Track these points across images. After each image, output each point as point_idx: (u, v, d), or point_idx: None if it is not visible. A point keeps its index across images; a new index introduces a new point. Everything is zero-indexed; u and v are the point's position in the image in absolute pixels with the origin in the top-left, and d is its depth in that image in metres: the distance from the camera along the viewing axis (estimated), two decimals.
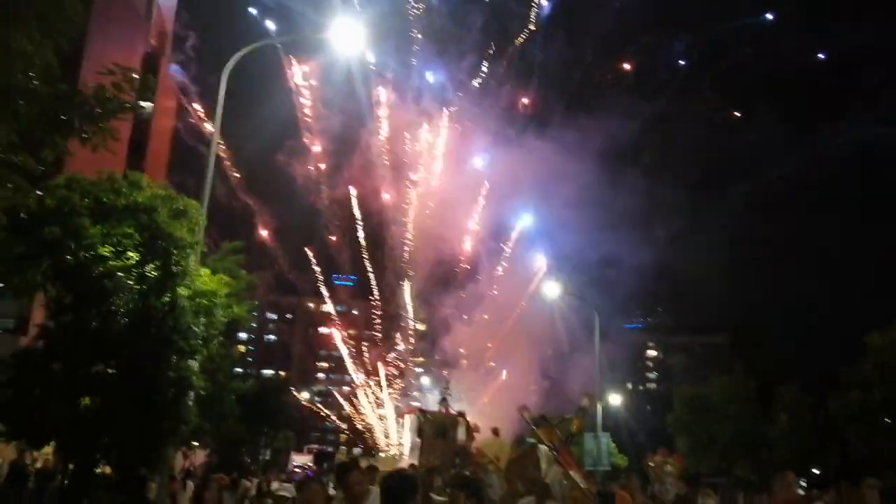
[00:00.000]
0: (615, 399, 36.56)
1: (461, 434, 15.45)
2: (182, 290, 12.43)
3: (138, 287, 12.05)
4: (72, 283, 11.64)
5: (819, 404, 27.03)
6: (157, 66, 39.97)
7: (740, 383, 31.94)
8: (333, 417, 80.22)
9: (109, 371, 11.86)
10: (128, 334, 11.72)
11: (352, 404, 70.52)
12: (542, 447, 11.59)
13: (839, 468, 26.78)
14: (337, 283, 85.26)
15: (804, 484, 24.59)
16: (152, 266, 12.11)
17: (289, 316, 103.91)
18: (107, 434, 11.75)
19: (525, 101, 40.85)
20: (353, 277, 79.82)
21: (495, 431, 16.17)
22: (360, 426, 68.80)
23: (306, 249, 48.15)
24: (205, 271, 13.58)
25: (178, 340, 12.25)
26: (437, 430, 15.56)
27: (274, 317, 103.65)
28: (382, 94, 39.50)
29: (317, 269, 50.68)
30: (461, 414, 16.20)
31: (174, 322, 12.21)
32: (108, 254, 11.64)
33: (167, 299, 12.27)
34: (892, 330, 23.96)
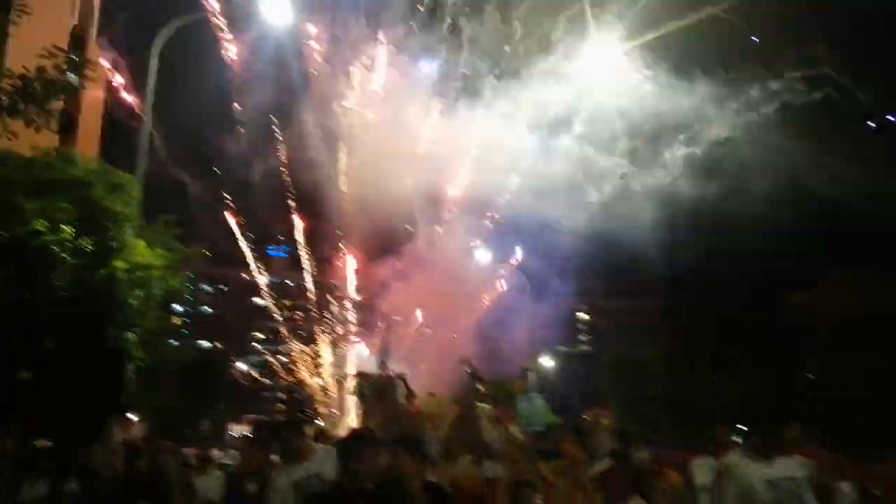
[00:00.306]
0: (547, 362, 37.80)
1: (401, 395, 15.16)
2: (119, 264, 12.61)
3: (74, 261, 12.17)
4: (8, 259, 11.70)
5: (743, 363, 28.65)
6: (84, 41, 38.84)
7: (666, 344, 33.50)
8: (272, 386, 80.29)
9: (48, 344, 12.01)
10: (66, 308, 11.87)
11: (291, 373, 70.69)
12: (483, 405, 11.36)
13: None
14: (270, 254, 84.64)
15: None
16: (89, 240, 12.24)
17: (224, 287, 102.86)
18: (47, 406, 11.92)
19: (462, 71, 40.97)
20: (286, 248, 79.31)
21: (431, 395, 16.81)
22: (299, 395, 69.05)
23: (227, 216, 47.37)
24: (140, 244, 13.74)
25: (115, 313, 12.46)
26: (376, 392, 15.50)
27: (209, 289, 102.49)
28: (315, 62, 39.20)
29: (240, 237, 49.98)
30: (400, 376, 15.92)
31: (111, 295, 12.41)
32: (42, 229, 11.73)
33: (104, 273, 12.43)
34: (814, 289, 25.48)
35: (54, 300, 11.93)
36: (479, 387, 11.31)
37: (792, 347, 25.54)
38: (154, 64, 15.92)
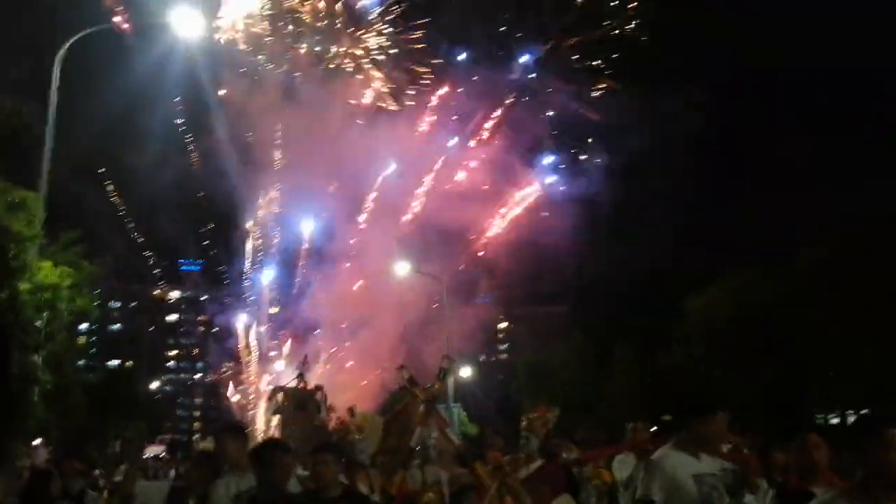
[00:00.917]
0: (464, 371, 38.20)
1: (320, 407, 15.79)
2: (22, 285, 12.31)
3: None
4: None
5: (649, 363, 29.76)
6: None
7: (578, 348, 34.47)
8: (188, 404, 78.34)
9: None
10: None
11: (208, 390, 69.16)
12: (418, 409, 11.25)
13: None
14: (183, 268, 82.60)
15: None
16: None
17: (133, 304, 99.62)
18: None
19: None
20: (199, 262, 77.44)
21: (350, 411, 15.52)
22: (214, 412, 67.58)
23: (134, 234, 46.17)
24: (46, 264, 13.42)
25: (19, 335, 12.15)
26: (296, 403, 15.80)
27: (117, 304, 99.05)
28: (227, 77, 38.71)
29: (148, 252, 48.78)
30: (318, 388, 16.46)
31: (15, 317, 12.10)
32: None
33: (6, 295, 12.11)
34: (708, 291, 26.79)
35: None
36: (417, 392, 11.24)
37: (693, 346, 26.76)
38: (56, 77, 15.53)
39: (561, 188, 41.19)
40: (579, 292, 52.36)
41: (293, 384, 17.31)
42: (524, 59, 41.28)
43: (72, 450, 27.04)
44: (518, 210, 41.91)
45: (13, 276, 12.14)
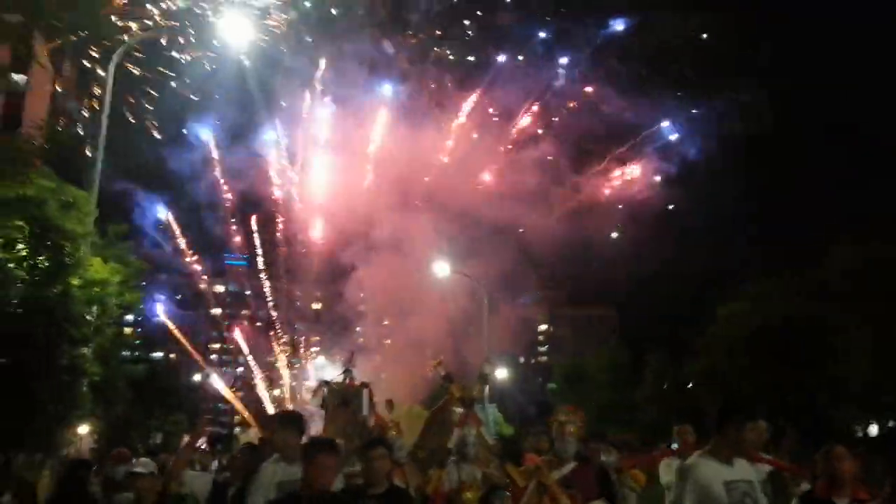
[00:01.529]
0: (501, 372, 38.31)
1: (365, 405, 14.86)
2: (74, 280, 12.80)
3: (29, 278, 12.35)
4: None
5: (677, 369, 29.63)
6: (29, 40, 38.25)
7: (613, 353, 34.38)
8: (228, 398, 79.48)
9: (1, 360, 12.14)
10: (20, 324, 12.02)
11: (247, 384, 70.16)
12: (456, 409, 11.52)
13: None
14: (228, 262, 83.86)
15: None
16: (43, 258, 12.42)
17: (179, 297, 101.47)
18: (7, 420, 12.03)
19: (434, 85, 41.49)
20: (245, 257, 78.56)
21: (389, 404, 16.61)
22: (256, 406, 68.53)
23: (168, 218, 47.04)
24: (96, 260, 13.92)
25: (70, 329, 12.63)
26: (339, 400, 15.02)
27: (163, 297, 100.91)
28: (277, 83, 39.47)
29: (181, 241, 49.64)
30: (364, 385, 16.69)
31: (66, 311, 12.58)
32: None
33: (58, 290, 12.61)
34: (735, 303, 26.60)
35: (7, 317, 12.07)
36: (453, 391, 10.95)
37: (716, 355, 26.58)
38: (111, 79, 16.06)
39: (606, 191, 41.14)
40: (624, 296, 52.24)
41: (339, 379, 16.63)
42: (563, 60, 41.34)
43: (115, 439, 27.89)
44: (563, 211, 41.96)
45: (66, 272, 12.62)
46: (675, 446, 9.14)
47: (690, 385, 28.04)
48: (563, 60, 42.33)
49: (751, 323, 25.42)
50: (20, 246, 12.18)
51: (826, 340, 23.19)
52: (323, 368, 47.94)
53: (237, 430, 60.29)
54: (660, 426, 25.79)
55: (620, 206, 39.16)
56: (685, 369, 28.70)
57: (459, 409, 10.31)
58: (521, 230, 42.39)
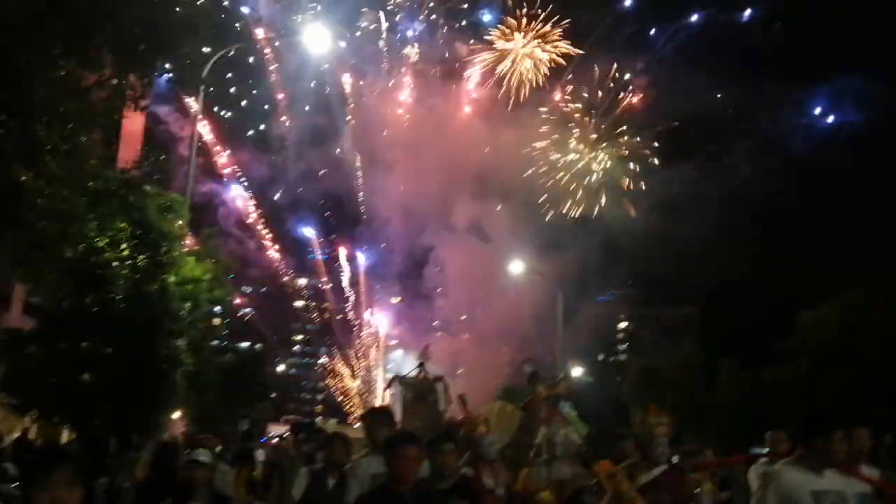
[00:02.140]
0: (577, 371, 38.52)
1: (441, 399, 14.30)
2: (170, 278, 13.92)
3: (131, 275, 13.50)
4: (71, 271, 13.02)
5: (755, 376, 29.15)
6: None
7: (690, 355, 34.08)
8: (310, 388, 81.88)
9: (108, 350, 13.33)
10: (124, 317, 13.18)
11: (330, 375, 72.15)
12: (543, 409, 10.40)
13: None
14: (311, 257, 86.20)
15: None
16: (143, 257, 13.55)
17: (264, 289, 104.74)
18: (106, 405, 13.21)
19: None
20: (328, 250, 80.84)
21: (462, 399, 16.07)
22: (338, 397, 70.44)
23: (253, 215, 49.10)
24: (190, 260, 15.04)
25: (167, 322, 13.76)
26: (415, 393, 14.73)
27: (249, 290, 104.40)
28: (348, 84, 40.72)
29: (268, 242, 51.75)
30: (439, 378, 15.03)
31: (164, 306, 13.71)
32: (103, 245, 13.08)
33: (157, 286, 13.74)
34: (820, 310, 26.03)
35: (114, 311, 13.25)
36: (541, 389, 10.78)
37: (800, 363, 26.01)
38: (201, 90, 17.17)
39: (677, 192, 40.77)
40: (708, 296, 51.41)
41: (414, 374, 17.68)
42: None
43: (206, 426, 29.43)
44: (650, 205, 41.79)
45: (163, 270, 13.74)
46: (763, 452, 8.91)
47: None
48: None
49: (836, 332, 24.86)
50: (123, 246, 13.30)
51: None
52: (401, 362, 49.08)
53: (318, 419, 62.24)
54: (735, 433, 25.58)
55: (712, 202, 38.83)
56: (763, 377, 28.30)
57: (545, 407, 10.13)
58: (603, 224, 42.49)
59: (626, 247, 40.92)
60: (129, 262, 13.44)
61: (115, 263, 13.24)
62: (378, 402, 48.72)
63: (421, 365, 17.80)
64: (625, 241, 41.33)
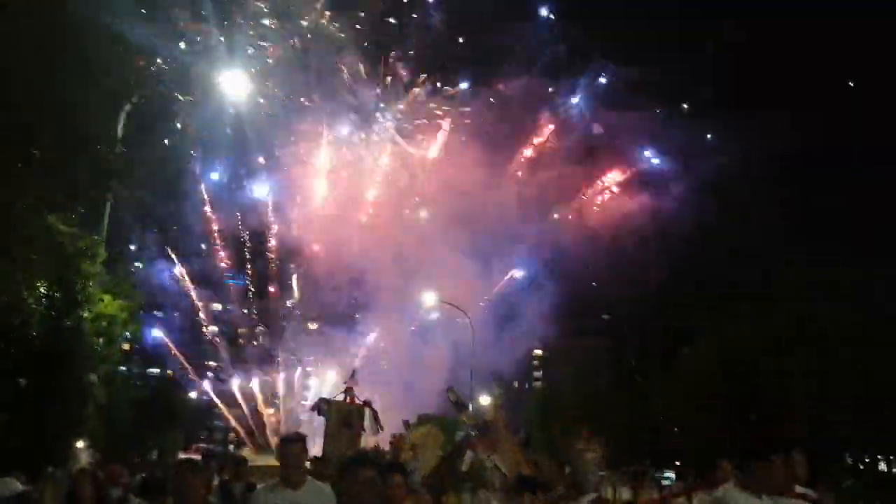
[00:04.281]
0: (484, 399, 39.76)
1: (367, 424, 15.11)
2: (85, 314, 14.54)
3: (47, 312, 14.06)
4: None
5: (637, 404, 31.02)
6: None
7: (590, 381, 36.00)
8: (226, 415, 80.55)
9: (21, 384, 13.82)
10: (40, 352, 13.71)
11: (241, 402, 71.32)
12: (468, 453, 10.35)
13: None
14: (227, 281, 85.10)
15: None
16: (59, 295, 14.14)
17: (176, 314, 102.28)
18: (20, 437, 13.66)
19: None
20: (241, 276, 79.99)
21: (406, 424, 14.33)
22: (250, 423, 69.62)
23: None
24: (107, 297, 15.66)
25: (80, 357, 14.36)
26: (341, 419, 14.95)
27: (160, 315, 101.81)
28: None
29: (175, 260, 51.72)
30: (367, 403, 15.60)
31: (78, 341, 14.31)
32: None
33: (71, 322, 14.34)
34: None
35: (29, 346, 13.75)
36: (463, 417, 10.91)
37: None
38: (119, 130, 17.79)
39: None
40: (613, 321, 53.70)
41: (341, 397, 16.27)
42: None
43: (114, 455, 29.38)
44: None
45: (78, 307, 14.36)
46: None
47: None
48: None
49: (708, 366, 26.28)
50: (38, 283, 13.84)
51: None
52: (318, 388, 49.32)
53: (231, 447, 61.53)
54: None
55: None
56: (650, 404, 29.97)
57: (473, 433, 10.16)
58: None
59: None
60: (45, 298, 13.98)
61: (30, 300, 13.74)
62: (291, 429, 48.70)
63: (348, 389, 16.48)
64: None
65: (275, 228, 49.05)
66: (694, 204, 39.71)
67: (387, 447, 13.61)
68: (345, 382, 17.31)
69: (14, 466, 14.37)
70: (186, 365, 61.27)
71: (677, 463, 31.96)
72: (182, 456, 47.20)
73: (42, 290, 13.92)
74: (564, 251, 43.92)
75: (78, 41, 11.02)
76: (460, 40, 43.47)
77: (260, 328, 73.18)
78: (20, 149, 10.42)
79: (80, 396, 14.42)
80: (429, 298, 37.65)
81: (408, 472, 7.08)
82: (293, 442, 5.12)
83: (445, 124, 45.02)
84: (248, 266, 57.41)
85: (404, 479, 5.31)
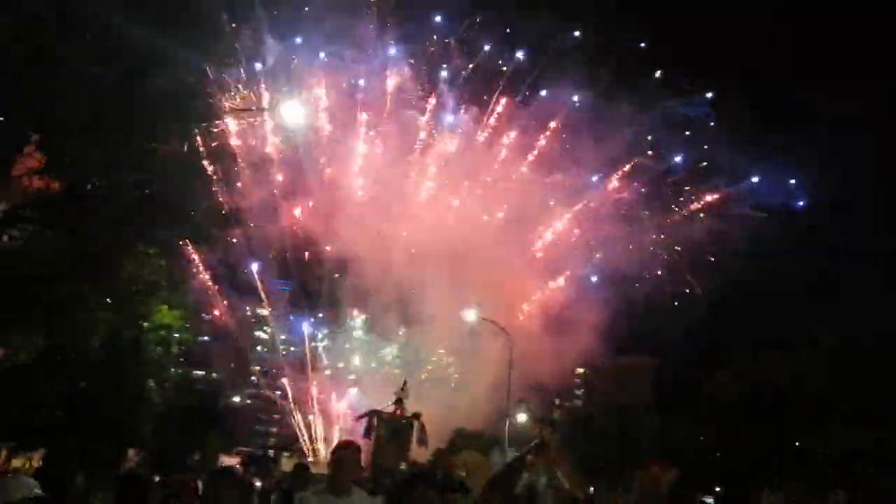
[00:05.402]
0: (521, 416, 39.92)
1: (415, 436, 15.20)
2: (146, 324, 15.44)
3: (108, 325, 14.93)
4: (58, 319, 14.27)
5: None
6: None
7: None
8: (269, 419, 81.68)
9: (82, 386, 14.73)
10: (103, 360, 14.62)
11: (288, 407, 72.23)
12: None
13: None
14: (274, 287, 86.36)
15: None
16: (123, 307, 15.02)
17: (222, 315, 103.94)
18: (79, 438, 14.57)
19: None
20: (289, 282, 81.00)
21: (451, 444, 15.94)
22: (295, 429, 70.39)
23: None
24: (164, 308, 16.54)
25: (139, 365, 15.24)
26: (390, 432, 15.11)
27: (208, 317, 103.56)
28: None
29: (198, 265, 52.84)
30: (416, 416, 15.70)
31: (138, 351, 15.21)
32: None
33: (130, 333, 15.24)
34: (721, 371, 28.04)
35: (94, 355, 14.63)
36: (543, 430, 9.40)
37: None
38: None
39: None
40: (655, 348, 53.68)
41: (391, 409, 16.28)
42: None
43: (159, 458, 30.30)
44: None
45: (140, 318, 15.25)
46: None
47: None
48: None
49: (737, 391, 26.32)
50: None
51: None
52: (358, 399, 49.85)
53: (271, 452, 62.51)
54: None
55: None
56: (673, 433, 29.92)
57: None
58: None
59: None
60: (108, 311, 14.84)
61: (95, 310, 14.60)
62: (337, 438, 49.26)
63: (398, 401, 16.52)
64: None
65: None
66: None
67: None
68: (395, 394, 17.24)
69: (73, 465, 15.33)
70: (231, 367, 62.35)
71: (717, 489, 32.00)
72: (223, 459, 48.18)
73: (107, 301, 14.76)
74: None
75: None
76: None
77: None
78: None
79: (136, 402, 15.23)
80: (470, 315, 37.77)
81: (468, 491, 6.99)
82: (347, 449, 5.11)
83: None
84: (294, 274, 58.26)
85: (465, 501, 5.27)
